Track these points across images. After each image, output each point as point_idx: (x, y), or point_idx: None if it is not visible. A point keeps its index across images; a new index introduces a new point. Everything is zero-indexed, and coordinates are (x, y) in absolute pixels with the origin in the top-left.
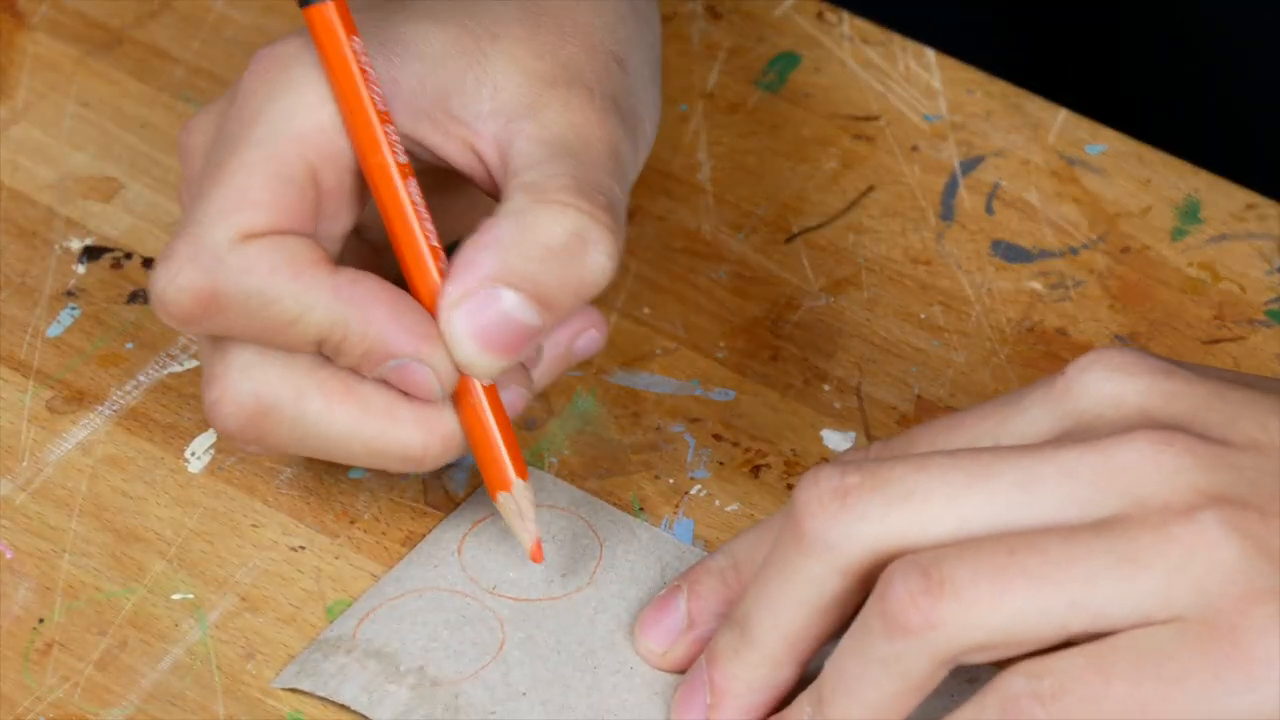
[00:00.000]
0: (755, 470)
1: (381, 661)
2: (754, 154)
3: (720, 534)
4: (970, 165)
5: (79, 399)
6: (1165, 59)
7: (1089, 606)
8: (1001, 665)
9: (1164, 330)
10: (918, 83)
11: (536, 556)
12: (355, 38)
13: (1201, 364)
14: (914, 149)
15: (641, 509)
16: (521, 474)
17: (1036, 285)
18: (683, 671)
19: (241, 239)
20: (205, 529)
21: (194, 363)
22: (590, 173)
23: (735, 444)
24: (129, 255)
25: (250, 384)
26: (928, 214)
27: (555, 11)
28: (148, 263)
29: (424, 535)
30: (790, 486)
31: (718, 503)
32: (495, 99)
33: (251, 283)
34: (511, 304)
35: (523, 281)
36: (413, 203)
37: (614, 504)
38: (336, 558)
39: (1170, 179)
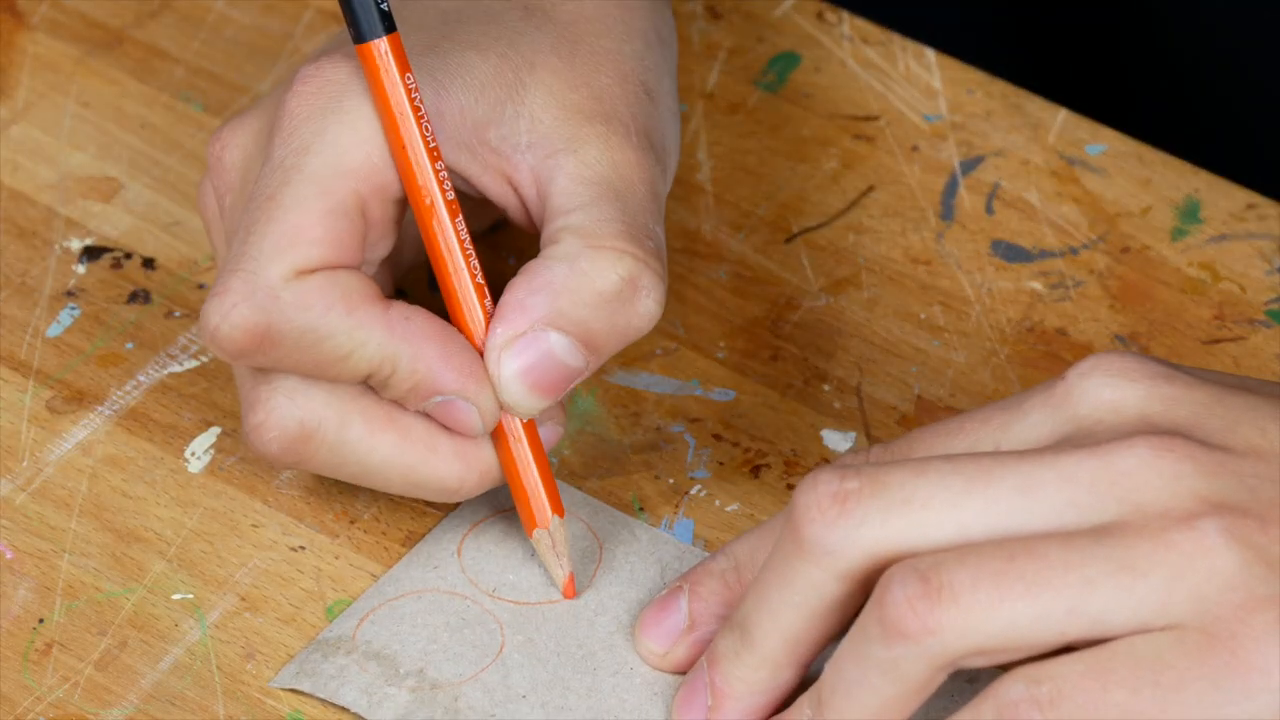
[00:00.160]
0: (755, 470)
1: (381, 664)
2: (754, 154)
3: (720, 534)
4: (970, 165)
5: (79, 399)
6: (1165, 59)
7: (1088, 613)
8: (1003, 667)
9: (1164, 330)
10: (918, 83)
11: (569, 592)
12: (409, 74)
13: (1202, 365)
14: (914, 149)
15: (641, 509)
16: (558, 511)
17: (1036, 285)
18: (683, 673)
19: (296, 275)
20: (205, 529)
21: (194, 363)
22: (638, 216)
23: (735, 444)
24: (129, 255)
25: (295, 409)
26: (928, 214)
27: (588, 39)
28: (148, 263)
29: (424, 535)
30: (790, 486)
31: (718, 503)
32: (533, 131)
33: (306, 319)
34: (559, 346)
35: (573, 326)
36: (460, 240)
37: (614, 504)
38: (336, 558)
39: (1170, 179)
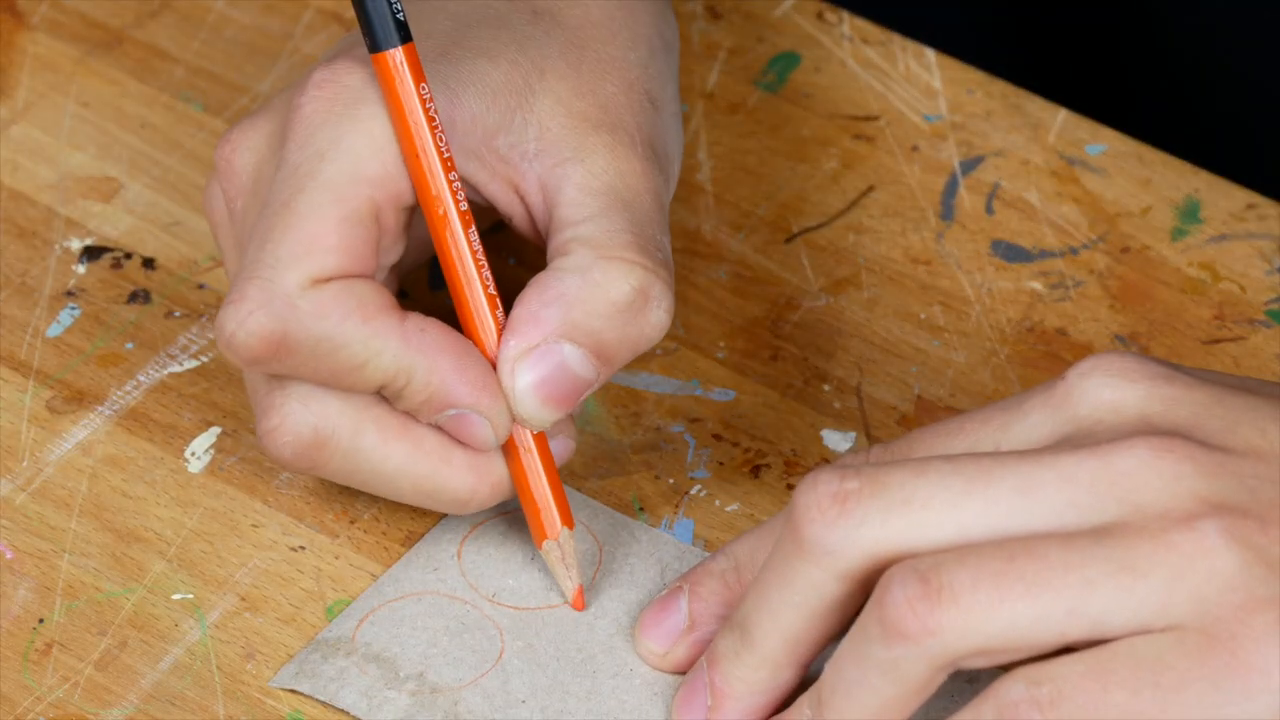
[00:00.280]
0: (755, 470)
1: (381, 667)
2: (754, 154)
3: (720, 534)
4: (970, 165)
5: (79, 399)
6: (1165, 59)
7: (1087, 614)
8: (1004, 667)
9: (1164, 330)
10: (918, 83)
11: (578, 604)
12: (424, 84)
13: (1202, 365)
14: (914, 149)
15: (641, 509)
16: (567, 523)
17: (1036, 285)
18: (683, 673)
19: (312, 283)
20: (205, 529)
21: (194, 362)
22: (646, 227)
23: (735, 444)
24: (129, 255)
25: (309, 415)
26: (928, 214)
27: (594, 46)
28: (148, 263)
29: (424, 535)
30: (790, 486)
31: (718, 503)
32: (541, 140)
33: (322, 328)
34: (573, 358)
35: (586, 337)
36: (473, 251)
37: (614, 504)
38: (336, 558)
39: (1170, 179)
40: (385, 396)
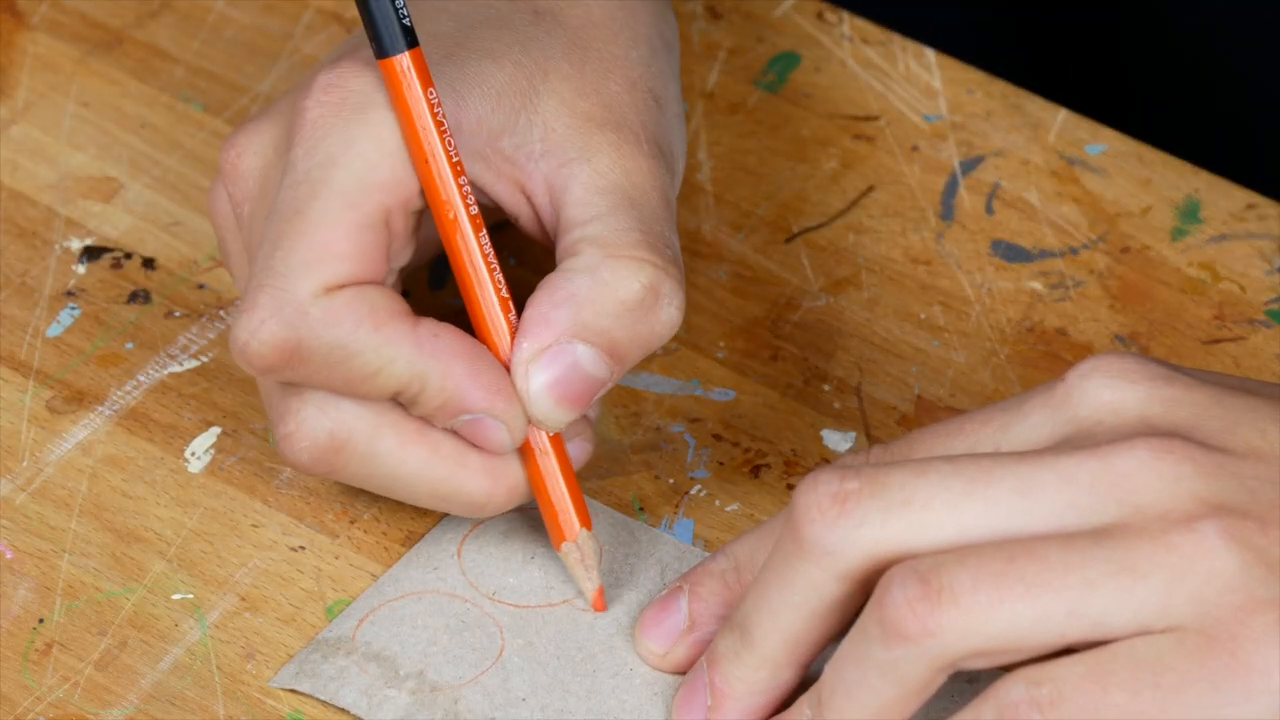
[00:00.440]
0: (755, 470)
1: (381, 665)
2: (754, 154)
3: (720, 534)
4: (970, 165)
5: (79, 399)
6: (1165, 59)
7: (1087, 615)
8: (1004, 668)
9: (1164, 330)
10: (918, 83)
11: (599, 605)
12: (432, 89)
13: (1202, 365)
14: (914, 149)
15: (641, 509)
16: (585, 524)
17: (1036, 285)
18: (683, 673)
19: (325, 291)
20: (205, 529)
21: (194, 362)
22: (654, 225)
23: (735, 444)
24: (129, 255)
25: (326, 421)
26: (928, 214)
27: (597, 45)
28: (148, 263)
29: (424, 535)
30: (790, 487)
31: (718, 503)
32: (546, 140)
33: (335, 336)
34: (585, 358)
35: (598, 337)
36: (484, 254)
37: (614, 504)
38: (336, 558)
39: (1170, 179)
40: (400, 403)
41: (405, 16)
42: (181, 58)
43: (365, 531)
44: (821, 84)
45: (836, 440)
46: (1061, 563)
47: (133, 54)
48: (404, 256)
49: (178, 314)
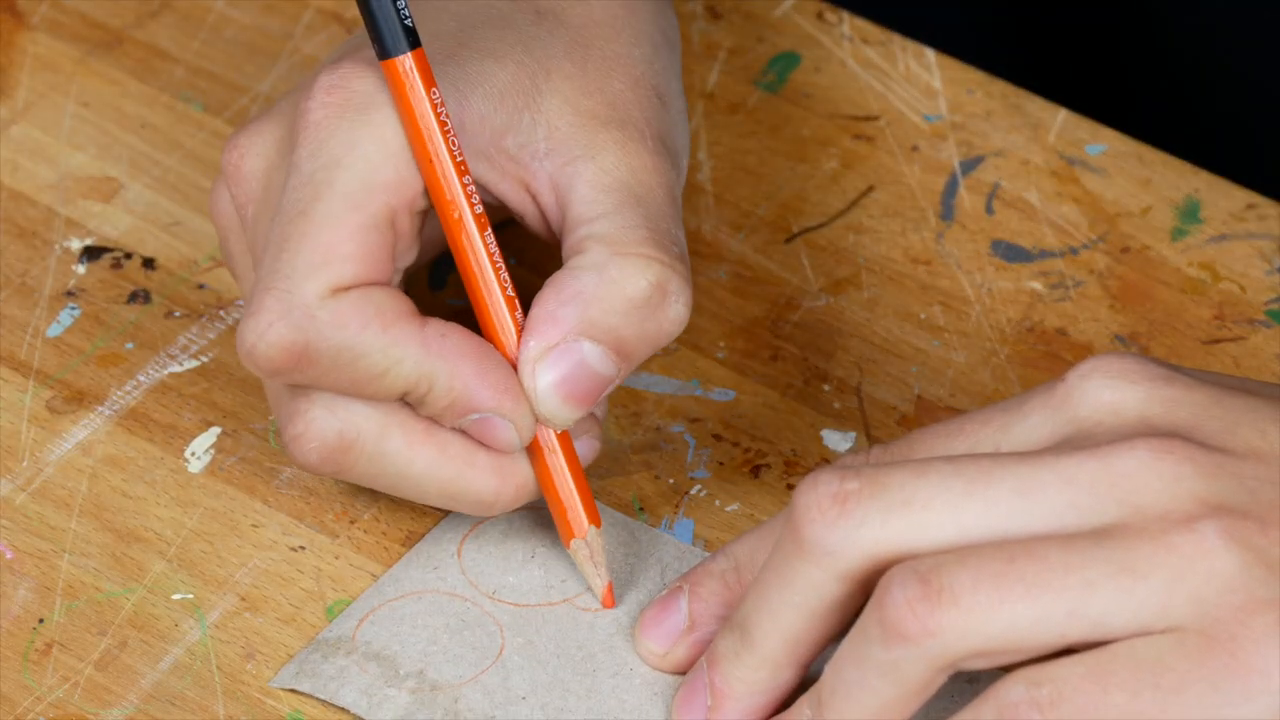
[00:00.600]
0: (755, 470)
1: (381, 665)
2: (754, 154)
3: (720, 534)
4: (970, 165)
5: (79, 399)
6: (1165, 59)
7: (1087, 615)
8: (1004, 668)
9: (1164, 330)
10: (918, 83)
11: (608, 602)
12: (435, 89)
13: (1202, 365)
14: (914, 149)
15: (641, 509)
16: (594, 521)
17: (1036, 285)
18: (683, 673)
19: (331, 293)
20: (205, 529)
21: (194, 362)
22: (660, 222)
23: (735, 444)
24: (129, 255)
25: (334, 421)
26: (928, 214)
27: (599, 44)
28: (148, 263)
29: (424, 535)
30: (790, 487)
31: (718, 503)
32: (550, 139)
33: (343, 338)
34: (592, 356)
35: (605, 335)
36: (490, 253)
37: (614, 504)
38: (336, 558)
39: (1170, 179)
40: (408, 403)
41: (407, 17)
42: (181, 58)
43: (365, 531)
44: (821, 84)
45: (836, 440)
46: (1061, 563)
47: (133, 54)
48: (409, 257)
49: (178, 314)
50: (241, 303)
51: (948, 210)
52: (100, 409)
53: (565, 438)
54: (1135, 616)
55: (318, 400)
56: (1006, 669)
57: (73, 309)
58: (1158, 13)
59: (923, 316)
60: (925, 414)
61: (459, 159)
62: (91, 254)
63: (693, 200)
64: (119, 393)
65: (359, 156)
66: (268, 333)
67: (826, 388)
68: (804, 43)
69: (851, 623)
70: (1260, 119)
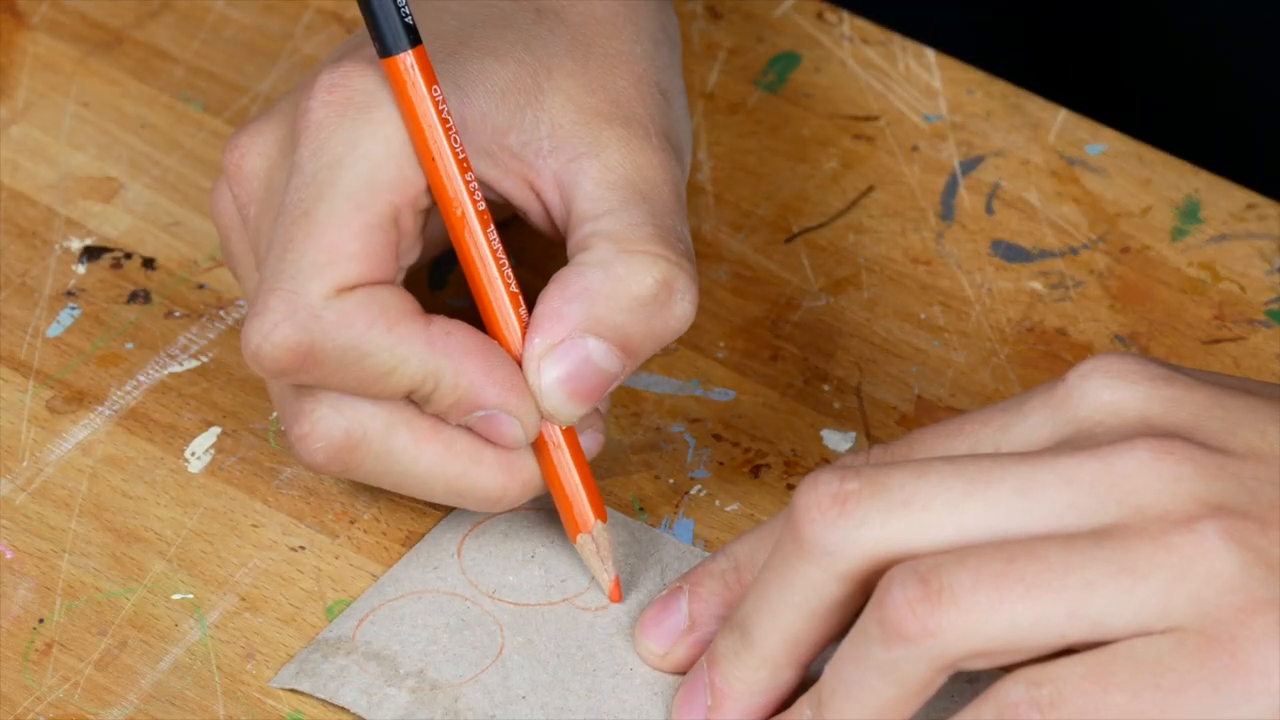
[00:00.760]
0: (755, 470)
1: (381, 664)
2: (754, 154)
3: (720, 534)
4: (970, 165)
5: (79, 399)
6: (1165, 59)
7: (1087, 615)
8: (1004, 668)
9: (1164, 330)
10: (918, 83)
11: (615, 596)
12: (436, 86)
13: (1202, 365)
14: (914, 149)
15: (641, 509)
16: (600, 516)
17: (1036, 285)
18: (683, 673)
19: (336, 293)
20: (205, 529)
21: (194, 362)
22: (666, 219)
23: (735, 444)
24: (129, 255)
25: (341, 420)
26: (928, 214)
27: (600, 41)
28: (148, 263)
29: (424, 535)
30: (790, 487)
31: (718, 503)
32: (554, 136)
33: (348, 337)
34: (597, 352)
35: (610, 332)
36: (493, 250)
37: (614, 504)
38: (336, 558)
39: (1170, 179)
40: (414, 401)
41: (407, 15)
42: (181, 58)
43: (365, 531)
44: (821, 84)
45: (836, 440)
46: (1061, 563)
47: (133, 54)
48: (413, 255)
49: (178, 314)
50: (242, 302)
51: (948, 210)
52: (100, 409)
53: (570, 433)
54: (1135, 617)
55: (323, 400)
56: (1007, 669)
57: (73, 309)
58: (1158, 13)
59: (923, 316)
60: (925, 414)
61: (461, 156)
62: (91, 254)
63: (693, 200)
64: (119, 393)
65: (361, 155)
66: (273, 333)
67: (826, 388)
68: (804, 43)
69: (851, 623)
70: (1260, 119)
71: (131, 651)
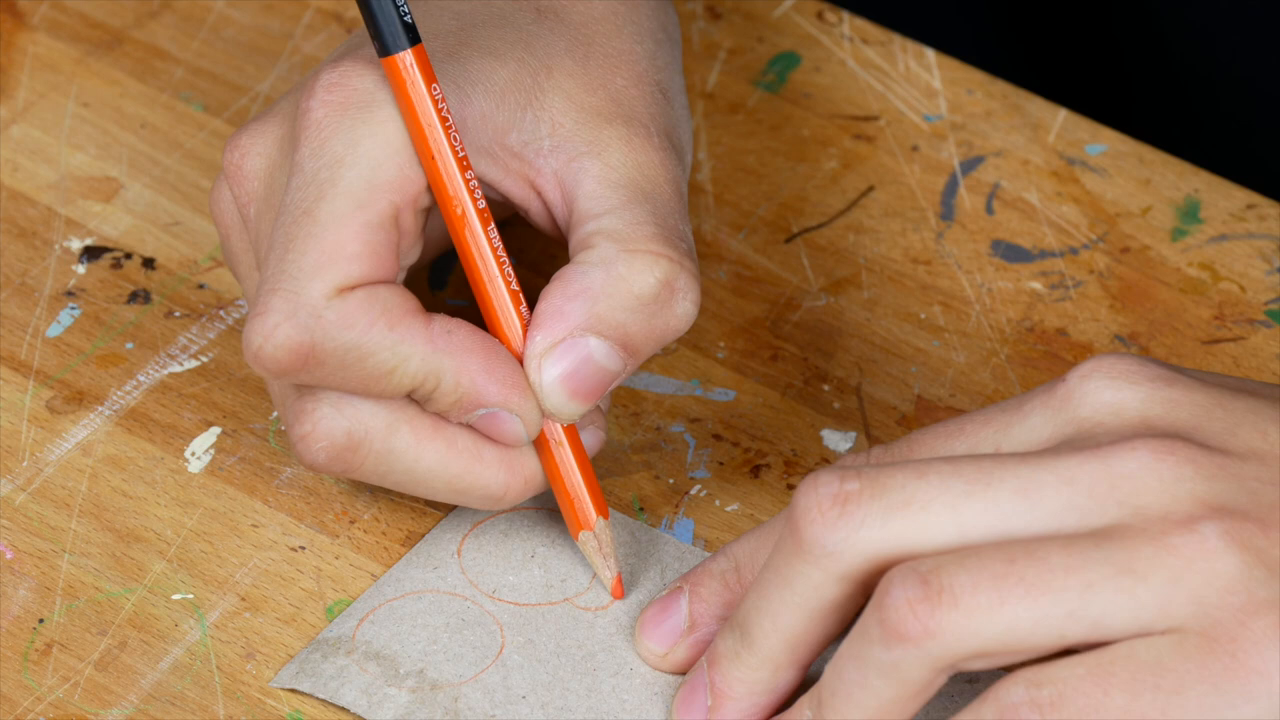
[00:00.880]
0: (755, 470)
1: (381, 664)
2: (754, 154)
3: (720, 534)
4: (970, 165)
5: (79, 399)
6: (1165, 59)
7: (1087, 616)
8: (1004, 668)
9: (1164, 330)
10: (918, 83)
11: (617, 593)
12: (435, 85)
13: (1202, 365)
14: (914, 149)
15: (641, 509)
16: (602, 512)
17: (1036, 285)
18: (683, 673)
19: (338, 293)
20: (205, 529)
21: (194, 362)
22: (668, 218)
23: (735, 444)
24: (129, 255)
25: (342, 420)
26: (928, 214)
27: (601, 41)
28: (148, 263)
29: (424, 535)
30: (790, 487)
31: (718, 503)
32: (554, 135)
33: (350, 337)
34: (599, 351)
35: (611, 330)
36: (494, 248)
37: (614, 504)
38: (336, 558)
39: (1170, 179)
40: (415, 400)
41: (406, 13)
42: (181, 58)
43: (365, 531)
44: (821, 84)
45: (836, 440)
46: (1062, 564)
47: (133, 54)
48: (414, 254)
49: (178, 314)
50: (242, 302)
51: (948, 210)
52: (100, 409)
53: (572, 430)
54: (1135, 618)
55: (325, 399)
56: (1007, 669)
57: (73, 309)
58: (1158, 13)
59: (923, 316)
60: (925, 414)
61: (461, 154)
62: (91, 254)
63: (693, 200)
64: (119, 393)
65: (361, 155)
66: (274, 333)
67: (826, 388)
68: (804, 43)
69: (851, 623)
70: (1260, 119)
71: (131, 651)
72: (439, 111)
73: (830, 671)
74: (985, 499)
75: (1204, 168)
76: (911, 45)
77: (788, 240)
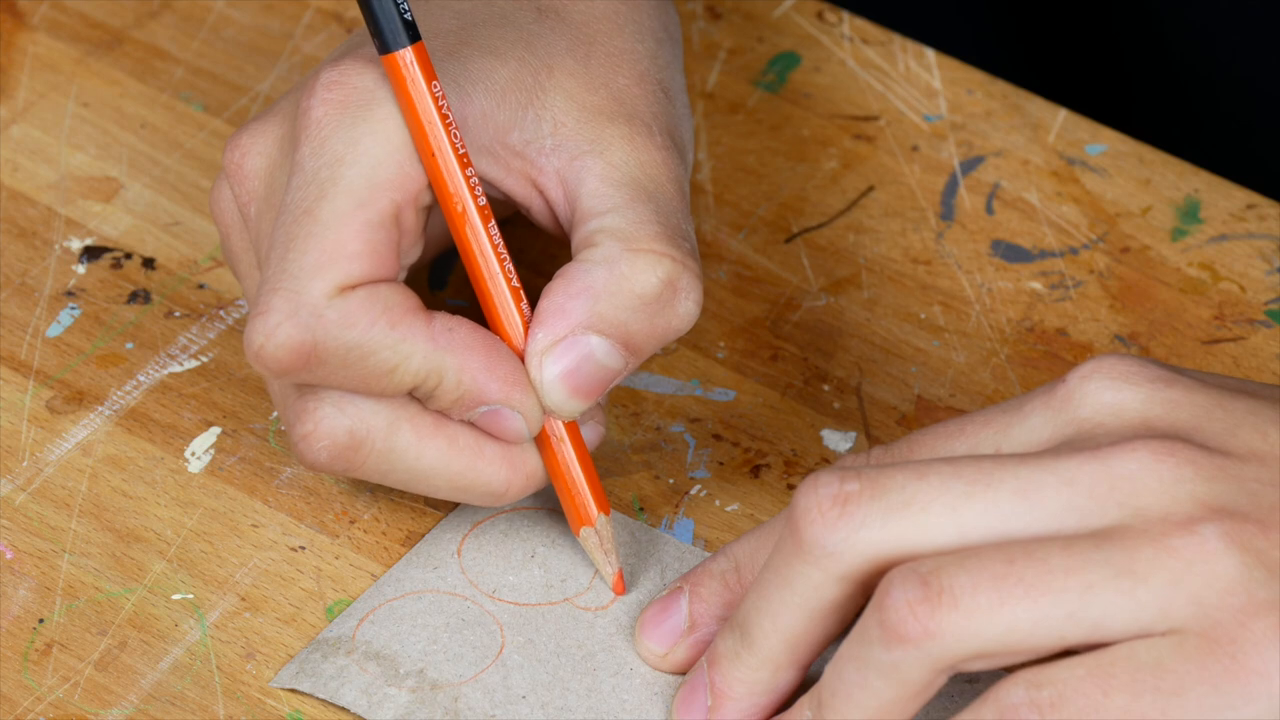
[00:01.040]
0: (755, 470)
1: (381, 664)
2: (754, 154)
3: (720, 534)
4: (970, 165)
5: (79, 399)
6: (1165, 59)
7: (1087, 618)
8: (1004, 669)
9: (1164, 330)
10: (918, 83)
11: (619, 588)
12: (435, 82)
13: (1202, 366)
14: (914, 149)
15: (641, 509)
16: (603, 508)
17: (1036, 285)
18: (683, 674)
19: (339, 292)
20: (205, 529)
21: (194, 362)
22: (671, 217)
23: (735, 444)
24: (129, 255)
25: (344, 419)
26: (928, 214)
27: (602, 39)
28: (148, 263)
29: (424, 535)
30: (790, 487)
31: (718, 503)
32: (556, 134)
33: (351, 336)
34: (600, 350)
35: (613, 329)
36: (494, 246)
37: (614, 504)
38: (336, 558)
39: (1170, 179)
40: (417, 397)
41: (406, 11)
42: (181, 58)
43: (365, 531)
44: (821, 84)
45: (836, 440)
46: (1061, 565)
47: (133, 54)
48: (415, 253)
49: (178, 314)
50: (242, 302)
51: (948, 210)
52: (100, 409)
53: (573, 426)
54: (1135, 619)
55: (326, 398)
56: (1007, 670)
57: (73, 309)
58: (1158, 13)
59: (923, 316)
60: (925, 414)
61: (461, 152)
62: (91, 254)
63: (693, 200)
64: (119, 393)
65: (362, 153)
66: (276, 333)
67: (826, 388)
68: (804, 43)
69: (852, 623)
70: (1260, 119)
71: (131, 651)
72: (439, 108)
73: (830, 672)
74: (985, 500)
75: (1204, 168)
76: (911, 45)
77: (788, 240)
